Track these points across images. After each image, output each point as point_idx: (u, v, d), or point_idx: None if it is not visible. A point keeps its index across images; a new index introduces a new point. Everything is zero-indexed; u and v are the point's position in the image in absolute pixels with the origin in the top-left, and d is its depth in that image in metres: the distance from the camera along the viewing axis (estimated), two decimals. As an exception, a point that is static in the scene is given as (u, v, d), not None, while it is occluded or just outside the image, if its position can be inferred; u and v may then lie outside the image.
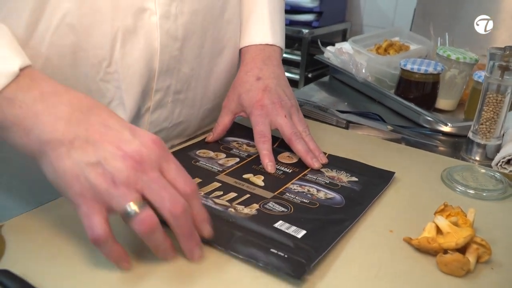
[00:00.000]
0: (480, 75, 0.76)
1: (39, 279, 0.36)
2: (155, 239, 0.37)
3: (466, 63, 0.84)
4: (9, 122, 0.38)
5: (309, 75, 1.94)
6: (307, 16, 1.86)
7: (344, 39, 2.10)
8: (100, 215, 0.35)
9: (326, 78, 1.15)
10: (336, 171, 0.57)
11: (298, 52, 1.91)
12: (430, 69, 0.81)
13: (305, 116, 0.81)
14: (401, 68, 0.85)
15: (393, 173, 0.57)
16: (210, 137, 0.64)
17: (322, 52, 1.13)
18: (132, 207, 0.35)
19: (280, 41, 0.70)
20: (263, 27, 0.69)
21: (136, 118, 0.57)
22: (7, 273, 0.36)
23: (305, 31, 1.83)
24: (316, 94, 1.00)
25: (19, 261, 0.39)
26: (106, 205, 0.36)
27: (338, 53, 1.04)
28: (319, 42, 1.17)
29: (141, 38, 0.52)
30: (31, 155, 0.38)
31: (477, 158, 0.67)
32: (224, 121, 0.64)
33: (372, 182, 0.55)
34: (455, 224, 0.42)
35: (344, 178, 0.56)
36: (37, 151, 0.37)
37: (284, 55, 1.25)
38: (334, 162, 0.60)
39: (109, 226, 0.36)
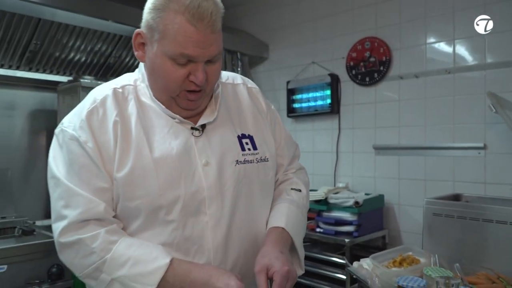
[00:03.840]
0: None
1: None
2: None
3: (444, 281, 1.20)
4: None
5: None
6: (348, 227, 2.31)
7: (384, 243, 2.48)
8: None
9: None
10: None
11: (343, 257, 2.29)
12: (415, 285, 1.18)
13: None
14: (397, 284, 1.22)
15: None
16: None
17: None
18: None
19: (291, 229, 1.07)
20: (281, 217, 1.09)
21: None
22: None
23: (347, 240, 2.25)
24: None
25: None
26: None
27: (359, 269, 1.44)
28: (345, 260, 1.57)
29: None
30: None
31: None
32: (265, 279, 0.91)
33: None
34: None
35: None
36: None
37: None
38: None
39: None
